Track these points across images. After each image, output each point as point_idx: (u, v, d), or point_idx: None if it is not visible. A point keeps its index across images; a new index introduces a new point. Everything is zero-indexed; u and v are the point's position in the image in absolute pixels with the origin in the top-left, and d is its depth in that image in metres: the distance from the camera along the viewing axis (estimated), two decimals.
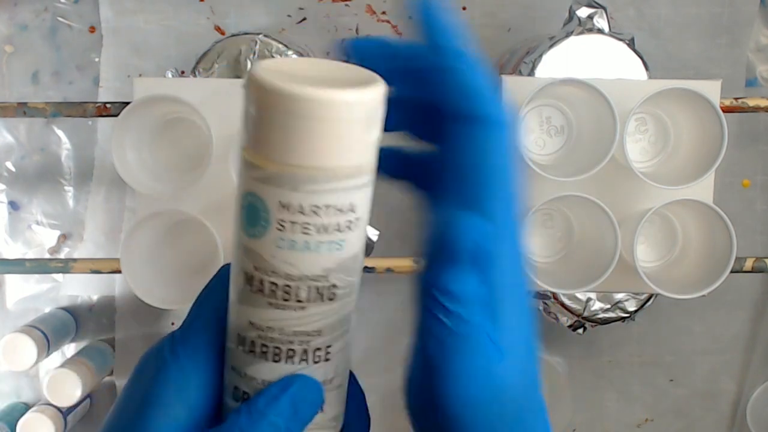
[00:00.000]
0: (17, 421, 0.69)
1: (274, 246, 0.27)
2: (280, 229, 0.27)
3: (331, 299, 0.29)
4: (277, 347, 0.29)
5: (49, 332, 0.70)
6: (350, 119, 0.26)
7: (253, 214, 0.28)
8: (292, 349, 0.29)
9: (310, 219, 0.27)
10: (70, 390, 0.67)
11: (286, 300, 0.28)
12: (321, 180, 0.27)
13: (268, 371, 0.29)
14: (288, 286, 0.28)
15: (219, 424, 0.29)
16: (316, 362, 0.29)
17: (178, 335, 0.30)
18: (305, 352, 0.29)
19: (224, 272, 0.30)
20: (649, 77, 0.62)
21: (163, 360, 0.29)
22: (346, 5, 0.71)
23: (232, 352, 0.30)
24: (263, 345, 0.29)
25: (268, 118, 0.26)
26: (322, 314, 0.29)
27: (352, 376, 0.32)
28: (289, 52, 0.64)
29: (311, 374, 0.29)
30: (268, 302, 0.28)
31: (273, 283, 0.28)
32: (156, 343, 0.30)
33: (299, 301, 0.28)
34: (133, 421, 0.29)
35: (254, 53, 0.64)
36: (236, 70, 0.64)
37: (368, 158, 0.28)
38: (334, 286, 0.28)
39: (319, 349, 0.29)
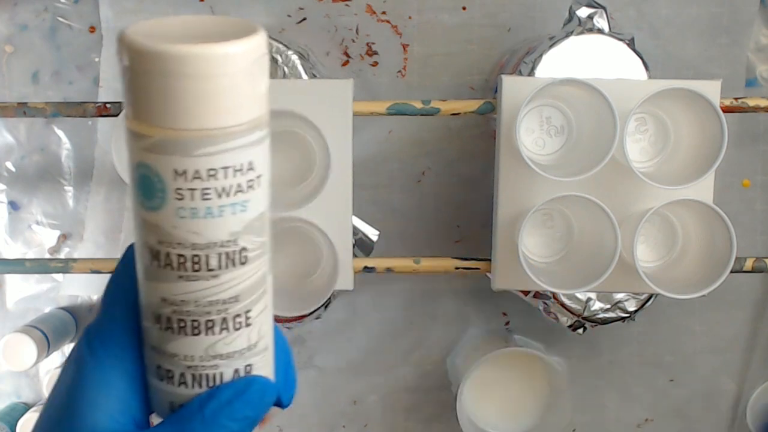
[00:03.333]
0: (17, 421, 0.69)
1: (176, 216, 0.26)
2: (178, 198, 0.26)
3: (243, 263, 0.27)
4: (194, 320, 0.28)
5: (49, 332, 0.70)
6: (234, 73, 0.25)
7: (147, 186, 0.26)
8: (211, 320, 0.28)
9: (208, 184, 0.26)
10: None
11: (196, 270, 0.27)
12: (214, 141, 0.25)
13: (189, 346, 0.28)
14: (196, 255, 0.27)
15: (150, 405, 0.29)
16: (237, 329, 0.28)
17: (92, 329, 0.29)
18: (224, 320, 0.28)
19: (130, 253, 0.29)
20: (649, 77, 0.62)
21: (82, 359, 0.29)
22: (346, 5, 0.71)
23: (149, 330, 0.29)
24: (180, 320, 0.28)
25: (145, 82, 0.25)
26: (237, 279, 0.28)
27: (277, 333, 0.31)
28: (289, 52, 0.64)
29: (233, 341, 0.28)
30: (178, 275, 0.27)
31: (180, 255, 0.27)
32: (75, 343, 0.30)
33: (210, 269, 0.27)
34: (63, 426, 0.28)
35: None
36: None
37: (260, 111, 0.26)
38: (244, 249, 0.27)
39: (238, 315, 0.28)
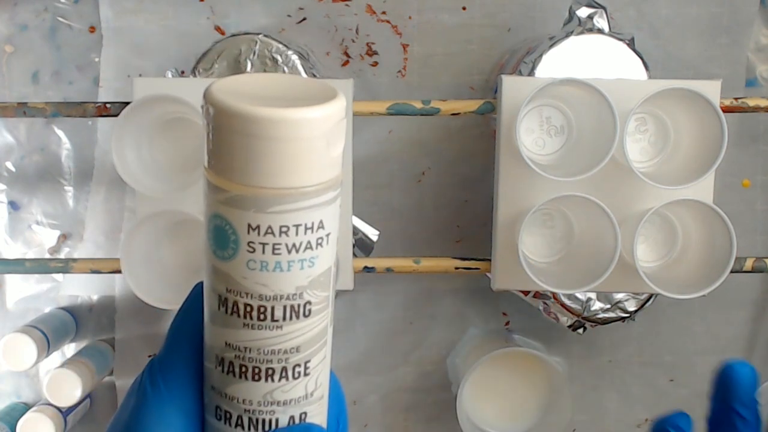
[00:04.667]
0: (17, 421, 0.69)
1: (246, 268, 0.27)
2: (250, 251, 0.27)
3: (306, 315, 0.28)
4: (255, 367, 0.29)
5: (49, 332, 0.70)
6: (314, 137, 0.26)
7: (221, 237, 0.27)
8: (271, 368, 0.29)
9: (280, 239, 0.27)
10: (70, 390, 0.67)
11: (261, 320, 0.28)
12: (288, 200, 0.26)
13: (249, 391, 0.29)
14: (263, 306, 0.28)
15: None
16: (296, 378, 0.29)
17: (156, 363, 0.30)
18: (284, 369, 0.29)
19: (197, 291, 0.30)
20: (649, 77, 0.62)
21: (144, 391, 0.30)
22: (346, 5, 0.71)
23: (211, 372, 0.29)
24: (242, 365, 0.29)
25: (228, 140, 0.26)
26: (299, 331, 0.28)
27: (333, 380, 0.32)
28: (289, 52, 0.64)
29: (291, 389, 0.29)
30: (243, 323, 0.28)
31: (247, 305, 0.28)
32: (138, 374, 0.31)
33: (275, 320, 0.28)
34: None
35: (254, 53, 0.64)
36: (236, 70, 0.64)
37: (334, 173, 0.27)
38: (309, 302, 0.28)
39: (298, 365, 0.29)
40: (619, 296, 0.66)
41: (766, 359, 0.75)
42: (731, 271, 0.55)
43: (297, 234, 0.27)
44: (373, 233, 0.66)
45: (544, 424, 0.69)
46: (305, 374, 0.29)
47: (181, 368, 0.30)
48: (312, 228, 0.27)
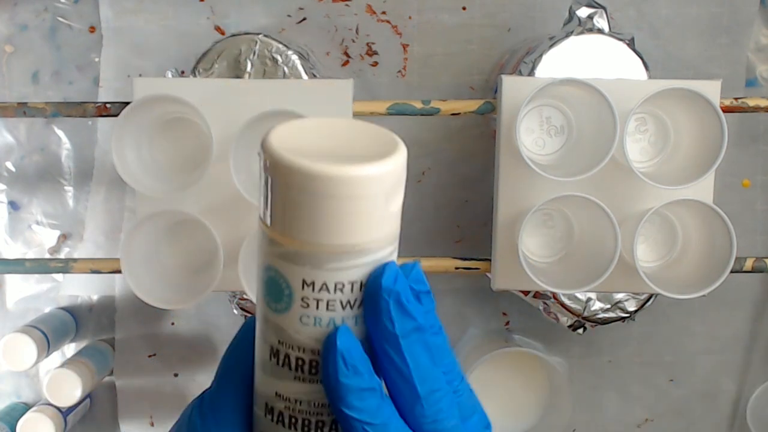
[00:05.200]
0: (17, 421, 0.69)
1: (299, 322, 0.27)
2: (303, 307, 0.26)
3: None
4: (306, 419, 0.28)
5: (49, 332, 0.70)
6: (374, 194, 0.25)
7: (275, 290, 0.27)
8: (321, 421, 0.28)
9: (334, 296, 0.26)
10: (70, 390, 0.67)
11: (312, 374, 0.27)
12: (345, 257, 0.26)
13: None
14: (314, 361, 0.27)
15: None
16: None
17: (207, 399, 0.30)
18: (334, 422, 0.28)
19: (248, 329, 0.30)
20: (649, 77, 0.62)
21: (194, 426, 0.30)
22: (346, 5, 0.71)
23: (260, 419, 0.29)
24: (291, 417, 0.28)
25: (287, 196, 0.25)
26: None
27: None
28: (289, 52, 0.64)
29: None
30: (294, 376, 0.28)
31: (299, 359, 0.27)
32: (188, 405, 0.31)
33: None
34: None
35: (254, 53, 0.64)
36: (236, 70, 0.64)
37: (392, 228, 0.27)
38: None
39: None
40: (619, 296, 0.66)
41: (766, 359, 0.75)
42: (731, 271, 0.55)
43: (352, 291, 0.26)
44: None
45: (544, 424, 0.69)
46: None
47: (231, 407, 0.30)
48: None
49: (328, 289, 0.26)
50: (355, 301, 0.26)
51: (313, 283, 0.26)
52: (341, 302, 0.26)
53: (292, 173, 0.25)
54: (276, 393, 0.28)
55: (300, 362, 0.27)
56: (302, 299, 0.26)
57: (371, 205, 0.25)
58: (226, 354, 0.31)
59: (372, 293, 0.27)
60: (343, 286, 0.26)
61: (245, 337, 0.30)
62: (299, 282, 0.26)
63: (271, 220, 0.26)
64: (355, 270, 0.26)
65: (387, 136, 0.27)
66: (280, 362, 0.28)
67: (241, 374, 0.30)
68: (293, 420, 0.28)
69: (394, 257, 0.28)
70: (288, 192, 0.25)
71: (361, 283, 0.26)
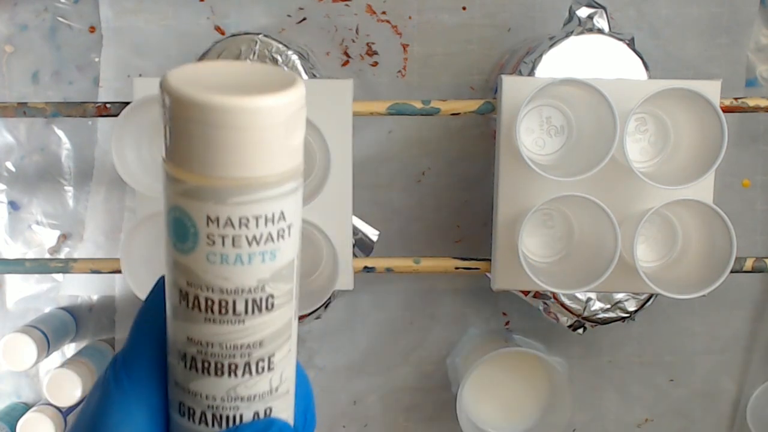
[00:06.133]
0: (17, 421, 0.69)
1: (206, 261, 0.27)
2: (209, 244, 0.26)
3: (269, 309, 0.28)
4: (218, 362, 0.28)
5: (49, 332, 0.70)
6: (272, 125, 0.25)
7: (180, 229, 0.27)
8: (234, 363, 0.28)
9: (240, 231, 0.26)
10: (70, 390, 0.67)
11: (223, 314, 0.27)
12: (248, 191, 0.26)
13: (212, 386, 0.28)
14: (224, 300, 0.27)
15: None
16: (259, 373, 0.29)
17: (120, 359, 0.30)
18: (247, 364, 0.28)
19: (160, 285, 0.30)
20: (649, 77, 0.62)
21: (107, 387, 0.29)
22: (346, 5, 0.71)
23: (174, 367, 0.29)
24: (204, 361, 0.28)
25: (185, 130, 0.25)
26: (262, 325, 0.28)
27: (300, 375, 0.32)
28: (289, 52, 0.64)
29: (255, 384, 0.29)
30: (204, 318, 0.27)
31: (208, 299, 0.27)
32: (104, 369, 0.30)
33: (237, 314, 0.27)
34: None
35: (254, 53, 0.64)
36: None
37: (295, 163, 0.27)
38: (271, 296, 0.28)
39: (261, 359, 0.28)
40: (619, 296, 0.66)
41: (766, 359, 0.75)
42: (731, 271, 0.55)
43: (257, 226, 0.26)
44: (373, 233, 0.66)
45: (544, 424, 0.69)
46: (269, 369, 0.29)
47: (145, 363, 0.29)
48: (273, 219, 0.27)
49: (232, 225, 0.26)
50: (261, 236, 0.26)
51: (217, 219, 0.26)
52: (246, 238, 0.26)
53: (189, 105, 0.25)
54: (188, 338, 0.28)
55: (209, 302, 0.27)
56: (207, 236, 0.26)
57: (270, 136, 0.25)
58: (139, 313, 0.30)
59: None
60: (248, 220, 0.26)
61: (157, 295, 0.30)
62: (203, 218, 0.26)
63: (172, 157, 0.26)
64: (259, 204, 0.26)
65: (286, 73, 0.27)
66: (190, 304, 0.27)
67: (154, 331, 0.30)
68: (206, 364, 0.28)
69: (298, 195, 0.27)
70: (188, 126, 0.25)
71: (266, 218, 0.26)
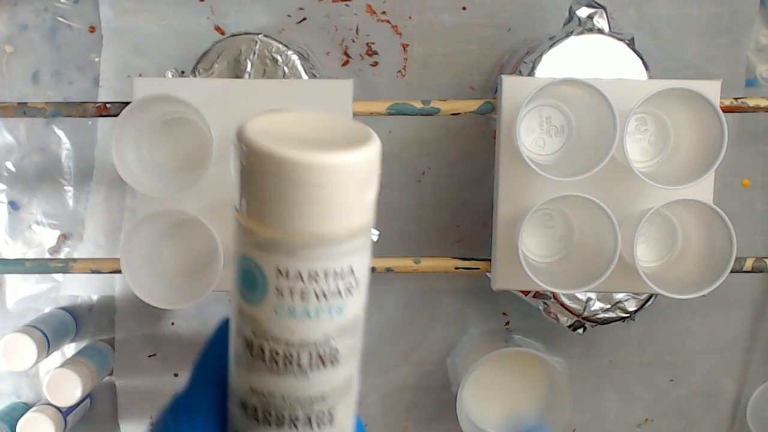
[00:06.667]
0: (17, 421, 0.69)
1: (273, 312, 0.27)
2: (278, 297, 0.26)
3: (333, 363, 0.28)
4: (279, 413, 0.28)
5: (49, 332, 0.70)
6: (348, 182, 0.25)
7: (249, 280, 0.27)
8: (296, 415, 0.28)
9: (308, 286, 0.26)
10: (70, 390, 0.67)
11: (287, 366, 0.27)
12: (319, 245, 0.26)
13: None
14: (288, 352, 0.27)
15: None
16: (320, 426, 0.29)
17: (181, 401, 0.30)
18: (309, 417, 0.28)
19: (223, 328, 0.30)
20: (649, 77, 0.62)
21: (166, 427, 0.29)
22: (346, 5, 0.71)
23: (235, 415, 0.29)
24: (265, 411, 0.28)
25: (261, 183, 0.25)
26: (325, 379, 0.28)
27: (359, 426, 0.31)
28: (289, 52, 0.64)
29: None
30: (268, 368, 0.27)
31: (272, 350, 0.27)
32: (162, 408, 0.30)
33: (300, 367, 0.27)
34: None
35: (254, 53, 0.64)
36: (236, 70, 0.64)
37: (366, 218, 0.27)
38: (336, 350, 0.28)
39: (323, 413, 0.28)
40: (619, 296, 0.66)
41: (766, 359, 0.75)
42: (731, 271, 0.55)
43: (326, 280, 0.26)
44: (373, 233, 0.66)
45: (544, 424, 0.69)
46: (330, 422, 0.29)
47: (205, 408, 0.29)
48: (341, 274, 0.27)
49: (302, 278, 0.26)
50: (329, 291, 0.27)
51: (287, 272, 0.26)
52: (315, 292, 0.26)
53: (266, 159, 0.25)
54: (250, 387, 0.28)
55: (274, 354, 0.27)
56: (276, 288, 0.26)
57: (345, 193, 0.25)
58: (200, 354, 0.31)
59: None
60: (317, 275, 0.26)
61: (220, 336, 0.30)
62: (273, 270, 0.26)
63: (245, 209, 0.26)
64: (329, 259, 0.26)
65: (361, 128, 0.27)
66: (254, 354, 0.27)
67: (215, 373, 0.30)
68: (267, 415, 0.28)
69: (368, 250, 0.27)
70: (262, 179, 0.25)
71: (335, 272, 0.26)
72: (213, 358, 0.30)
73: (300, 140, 0.26)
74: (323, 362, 0.28)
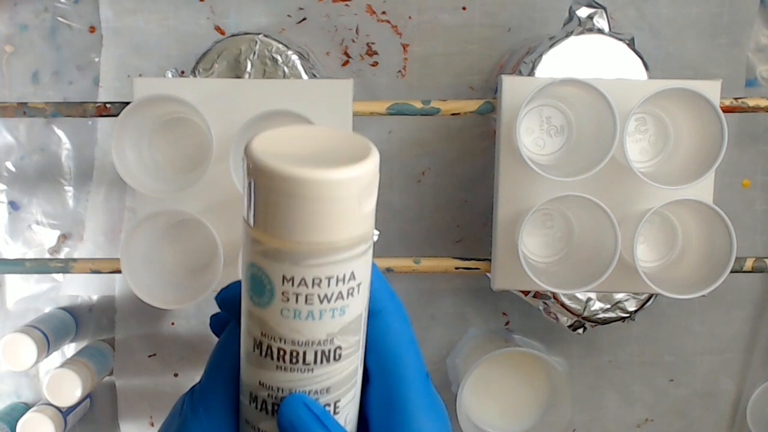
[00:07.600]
0: (17, 421, 0.69)
1: (279, 315, 0.29)
2: (284, 301, 0.28)
3: (336, 359, 0.30)
4: None
5: (49, 332, 0.70)
6: (348, 195, 0.27)
7: (257, 285, 0.29)
8: None
9: (312, 290, 0.28)
10: (70, 390, 0.67)
11: (293, 363, 0.29)
12: (321, 254, 0.28)
13: None
14: (295, 351, 0.29)
15: None
16: None
17: (198, 392, 0.33)
18: None
19: (234, 326, 0.32)
20: (649, 77, 0.62)
21: (185, 417, 0.32)
22: (346, 5, 0.71)
23: (246, 407, 0.31)
24: (274, 404, 0.30)
25: (267, 197, 0.27)
26: (329, 373, 0.30)
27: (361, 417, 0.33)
28: (289, 52, 0.64)
29: None
30: (276, 365, 0.30)
31: (280, 349, 0.29)
32: (179, 399, 0.33)
33: (306, 363, 0.30)
34: None
35: (254, 53, 0.64)
36: (236, 70, 0.64)
37: (366, 227, 0.29)
38: (339, 347, 0.30)
39: (328, 404, 0.31)
40: (619, 296, 0.66)
41: (766, 359, 0.75)
42: (731, 271, 0.55)
43: (329, 285, 0.28)
44: (373, 233, 0.66)
45: (544, 424, 0.69)
46: (335, 413, 0.31)
47: (220, 399, 0.32)
48: (343, 279, 0.28)
49: (306, 284, 0.28)
50: (332, 295, 0.28)
51: (292, 279, 0.28)
52: (318, 296, 0.28)
53: (273, 177, 0.27)
54: (260, 382, 0.30)
55: (281, 352, 0.29)
56: (282, 293, 0.28)
57: (346, 206, 0.27)
58: (215, 349, 0.33)
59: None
60: (320, 281, 0.28)
61: (232, 333, 0.32)
62: (279, 278, 0.28)
63: (253, 221, 0.28)
64: (331, 266, 0.28)
65: (361, 142, 0.29)
66: (263, 353, 0.30)
67: (228, 367, 0.32)
68: (275, 407, 0.30)
69: (368, 256, 0.29)
70: (269, 194, 0.27)
71: (337, 278, 0.28)
72: (226, 353, 0.32)
73: (303, 157, 0.28)
74: (327, 359, 0.30)
